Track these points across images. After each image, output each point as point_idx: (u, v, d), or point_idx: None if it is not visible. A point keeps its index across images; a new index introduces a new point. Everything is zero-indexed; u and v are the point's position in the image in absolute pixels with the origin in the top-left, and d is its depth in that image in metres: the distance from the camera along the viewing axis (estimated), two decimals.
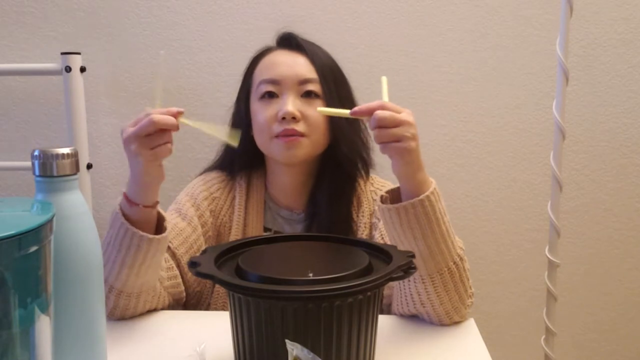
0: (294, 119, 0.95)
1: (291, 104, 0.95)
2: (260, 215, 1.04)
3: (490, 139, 1.42)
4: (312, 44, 1.03)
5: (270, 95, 0.98)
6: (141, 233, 0.79)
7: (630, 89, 1.39)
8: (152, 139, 0.75)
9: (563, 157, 0.93)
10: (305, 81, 0.97)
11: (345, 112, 0.78)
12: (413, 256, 0.65)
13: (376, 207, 0.97)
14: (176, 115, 0.76)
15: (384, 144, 0.75)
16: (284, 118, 0.95)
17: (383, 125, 0.73)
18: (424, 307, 0.83)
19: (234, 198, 1.04)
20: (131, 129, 0.75)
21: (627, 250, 1.45)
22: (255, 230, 1.03)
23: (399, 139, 0.74)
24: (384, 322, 0.85)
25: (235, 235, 1.03)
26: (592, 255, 1.46)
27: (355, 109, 0.75)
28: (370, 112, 0.74)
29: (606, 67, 1.39)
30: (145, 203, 0.80)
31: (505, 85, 1.40)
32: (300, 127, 0.95)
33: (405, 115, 0.75)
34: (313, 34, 1.06)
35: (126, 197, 0.80)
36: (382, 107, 0.74)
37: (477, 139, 1.42)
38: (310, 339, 0.57)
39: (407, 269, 0.63)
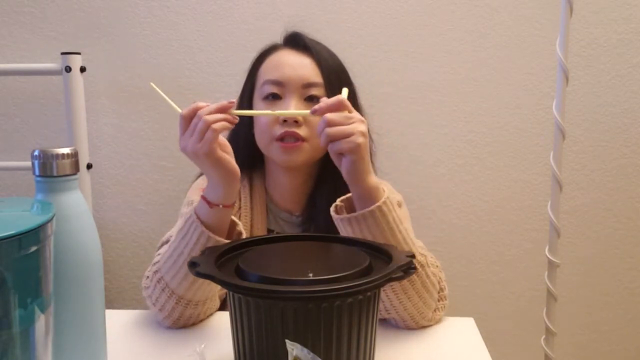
0: (296, 122, 0.95)
1: (294, 107, 0.95)
2: (264, 216, 1.04)
3: (490, 139, 1.42)
4: (320, 45, 1.02)
5: (274, 97, 0.98)
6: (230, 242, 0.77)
7: (630, 89, 1.39)
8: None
9: (563, 157, 0.93)
10: (310, 85, 0.97)
11: (304, 112, 0.81)
12: (413, 256, 0.65)
13: None
14: (228, 107, 0.76)
15: (334, 142, 0.74)
16: (285, 121, 0.95)
17: (333, 124, 0.74)
18: (388, 313, 0.83)
19: (240, 199, 1.04)
20: (194, 140, 0.75)
21: (627, 250, 1.45)
22: (261, 232, 1.03)
23: (348, 135, 0.74)
24: (384, 322, 0.85)
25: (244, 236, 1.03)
26: (592, 255, 1.46)
27: (315, 107, 0.76)
28: (329, 109, 0.75)
29: (606, 67, 1.39)
30: (225, 202, 0.79)
31: (505, 85, 1.40)
32: (302, 130, 0.95)
33: (355, 114, 0.77)
34: (313, 34, 1.06)
35: (205, 199, 0.79)
36: (340, 103, 0.75)
37: (478, 139, 1.42)
38: (310, 339, 0.57)
39: (407, 269, 0.63)
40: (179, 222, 0.83)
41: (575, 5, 0.88)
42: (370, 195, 0.77)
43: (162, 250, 0.86)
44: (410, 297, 0.81)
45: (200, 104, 0.77)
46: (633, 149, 1.42)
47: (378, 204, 0.76)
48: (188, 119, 0.77)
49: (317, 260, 0.69)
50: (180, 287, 0.81)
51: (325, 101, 0.76)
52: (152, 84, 0.85)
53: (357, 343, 0.60)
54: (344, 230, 0.79)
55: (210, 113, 0.75)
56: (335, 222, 0.80)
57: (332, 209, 0.81)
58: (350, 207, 0.81)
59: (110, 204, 1.48)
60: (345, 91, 0.83)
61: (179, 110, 0.78)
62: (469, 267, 1.47)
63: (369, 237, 0.77)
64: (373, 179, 0.78)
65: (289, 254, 0.71)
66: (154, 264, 0.86)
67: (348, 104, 0.77)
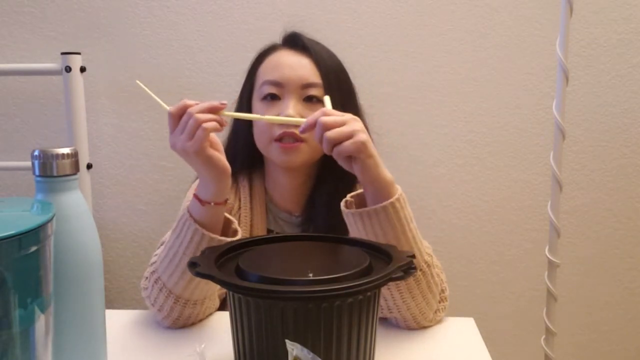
0: None
1: (292, 108, 0.95)
2: (264, 216, 1.04)
3: (490, 139, 1.42)
4: (319, 45, 1.02)
5: (272, 97, 0.98)
6: (227, 240, 0.77)
7: (630, 89, 1.39)
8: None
9: (563, 157, 0.93)
10: (309, 85, 0.97)
11: (299, 120, 0.80)
12: (413, 256, 0.65)
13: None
14: (220, 108, 0.76)
15: (338, 145, 0.73)
16: None
17: (330, 127, 0.73)
18: (391, 312, 0.83)
19: (240, 199, 1.04)
20: (183, 138, 0.74)
21: (627, 250, 1.45)
22: (260, 232, 1.03)
23: (350, 135, 0.73)
24: (384, 322, 0.85)
25: (242, 236, 1.03)
26: (592, 255, 1.46)
27: (303, 125, 0.75)
28: (315, 123, 0.74)
29: (606, 67, 1.39)
30: (217, 200, 0.79)
31: (505, 85, 1.40)
32: None
33: (348, 114, 0.76)
34: (313, 34, 1.05)
35: (197, 197, 0.79)
36: (324, 114, 0.75)
37: (478, 139, 1.42)
38: (310, 339, 0.57)
39: (407, 269, 0.63)
40: (174, 222, 0.83)
41: (575, 5, 0.88)
42: (383, 191, 0.77)
43: (158, 251, 0.86)
44: (414, 296, 0.80)
45: (189, 102, 0.76)
46: (633, 149, 1.42)
47: (391, 200, 0.76)
48: (177, 117, 0.76)
49: (317, 260, 0.69)
50: (177, 287, 0.81)
51: (312, 115, 0.75)
52: (138, 81, 0.85)
53: (357, 343, 0.60)
54: (354, 225, 0.78)
55: (201, 112, 0.75)
56: (345, 217, 0.80)
57: (342, 204, 0.80)
58: (359, 203, 0.81)
59: (110, 204, 1.48)
60: (327, 99, 0.82)
61: (167, 108, 0.78)
62: (469, 267, 1.47)
63: (378, 233, 0.76)
64: (387, 173, 0.78)
65: (289, 254, 0.71)
66: (151, 264, 0.86)
67: (335, 111, 0.76)
